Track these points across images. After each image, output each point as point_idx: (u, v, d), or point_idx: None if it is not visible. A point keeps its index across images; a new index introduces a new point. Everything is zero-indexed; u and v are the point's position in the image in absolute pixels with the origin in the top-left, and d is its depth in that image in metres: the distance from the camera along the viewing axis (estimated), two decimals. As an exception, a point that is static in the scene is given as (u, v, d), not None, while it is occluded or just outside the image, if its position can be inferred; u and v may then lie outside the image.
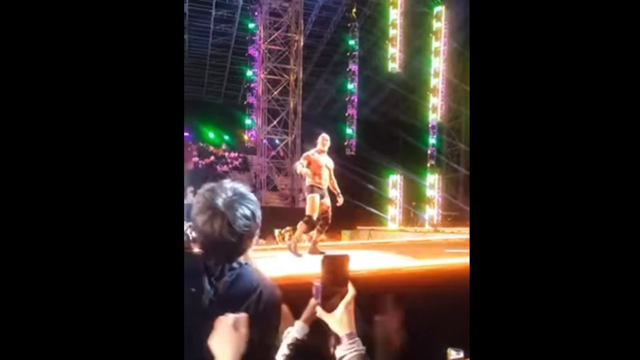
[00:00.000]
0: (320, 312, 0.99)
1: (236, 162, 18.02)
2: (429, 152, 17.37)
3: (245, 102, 15.60)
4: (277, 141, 15.01)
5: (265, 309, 1.06)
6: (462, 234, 8.98)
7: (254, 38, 14.96)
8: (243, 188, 1.13)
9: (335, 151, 4.86)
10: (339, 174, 4.82)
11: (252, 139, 15.59)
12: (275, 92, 14.35)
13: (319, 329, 1.03)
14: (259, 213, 1.12)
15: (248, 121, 15.52)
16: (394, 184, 17.49)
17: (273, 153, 14.95)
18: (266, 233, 8.64)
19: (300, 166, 4.47)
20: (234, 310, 0.99)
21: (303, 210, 4.66)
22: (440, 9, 15.77)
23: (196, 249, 1.12)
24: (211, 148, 18.84)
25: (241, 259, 1.12)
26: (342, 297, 0.98)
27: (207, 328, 0.96)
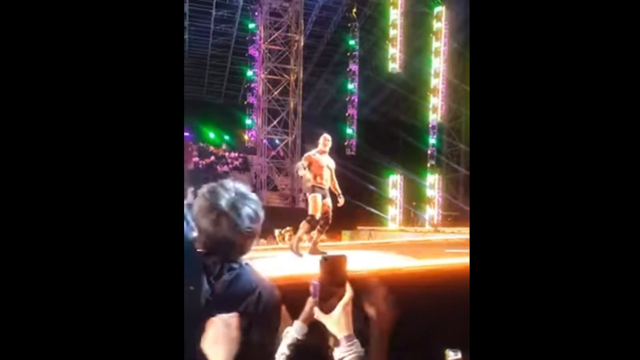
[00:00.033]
0: (318, 314, 0.99)
1: (236, 162, 18.02)
2: (429, 152, 17.37)
3: (245, 102, 15.60)
4: (277, 141, 15.01)
5: (264, 310, 1.06)
6: (462, 234, 8.97)
7: (254, 38, 14.96)
8: (244, 188, 1.13)
9: (336, 151, 4.85)
10: (339, 174, 4.82)
11: (252, 139, 15.59)
12: (276, 92, 14.36)
13: (318, 329, 1.03)
14: (262, 213, 1.13)
15: (248, 121, 15.51)
16: (394, 184, 17.48)
17: (273, 153, 14.96)
18: (266, 233, 8.63)
19: (301, 169, 4.47)
20: (232, 310, 0.99)
21: (303, 210, 4.67)
22: (440, 9, 15.77)
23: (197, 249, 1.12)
24: (211, 148, 18.84)
25: (242, 259, 1.12)
26: (340, 299, 0.98)
27: (202, 328, 0.96)
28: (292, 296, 1.23)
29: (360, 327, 1.01)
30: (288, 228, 8.69)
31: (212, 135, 19.59)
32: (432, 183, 17.20)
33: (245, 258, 1.14)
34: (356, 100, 17.46)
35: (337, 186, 4.72)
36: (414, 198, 17.15)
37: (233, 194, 1.08)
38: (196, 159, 16.82)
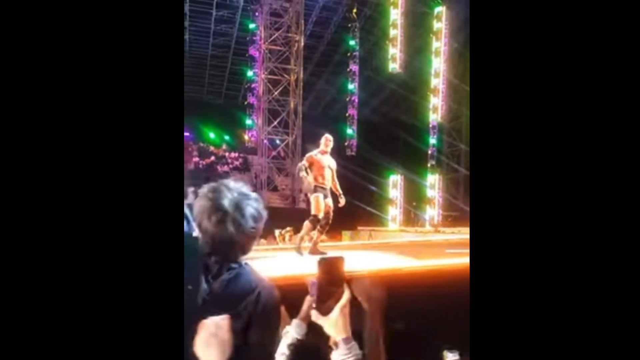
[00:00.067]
0: (316, 316, 0.98)
1: (237, 163, 18.03)
2: (429, 152, 17.37)
3: (245, 102, 15.60)
4: (277, 141, 15.02)
5: (263, 310, 1.06)
6: (463, 234, 8.97)
7: (254, 38, 14.96)
8: (245, 188, 1.13)
9: (336, 151, 4.86)
10: (340, 175, 4.82)
11: (252, 139, 15.59)
12: (276, 93, 14.37)
13: (317, 329, 1.03)
14: (265, 212, 1.13)
15: (248, 121, 15.51)
16: (395, 184, 17.48)
17: (274, 153, 14.97)
18: (267, 233, 8.63)
19: (302, 170, 4.48)
20: (230, 309, 0.99)
21: (304, 210, 4.68)
22: (440, 9, 15.78)
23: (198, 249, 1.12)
24: (212, 148, 18.86)
25: (242, 259, 1.12)
26: (338, 300, 0.98)
27: (195, 330, 0.95)
28: (292, 296, 1.23)
29: (359, 329, 1.00)
30: (288, 228, 8.69)
31: (212, 135, 19.60)
32: (433, 183, 17.20)
33: (245, 258, 1.14)
34: (356, 100, 17.46)
35: (338, 186, 4.72)
36: (414, 198, 17.15)
37: (236, 194, 1.08)
38: (196, 159, 16.83)
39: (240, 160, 18.05)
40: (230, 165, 17.79)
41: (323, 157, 4.60)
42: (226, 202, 1.06)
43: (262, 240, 7.53)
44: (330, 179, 4.60)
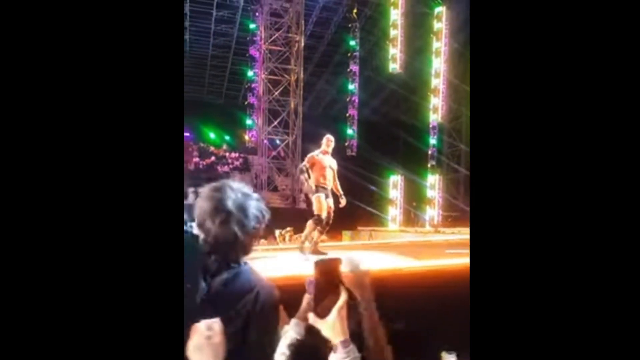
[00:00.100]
0: (314, 319, 0.98)
1: (237, 163, 18.02)
2: (429, 152, 17.38)
3: (246, 103, 15.62)
4: (277, 141, 15.02)
5: (262, 310, 1.06)
6: (463, 234, 8.97)
7: (254, 38, 14.97)
8: (246, 188, 1.13)
9: (336, 152, 4.86)
10: (340, 175, 4.82)
11: (252, 139, 15.60)
12: (276, 93, 14.37)
13: (316, 329, 1.03)
14: (267, 213, 1.13)
15: (249, 121, 15.53)
16: (395, 185, 17.49)
17: (274, 153, 14.97)
18: (267, 233, 8.63)
19: (304, 172, 4.48)
20: (229, 308, 0.99)
21: (304, 210, 4.68)
22: (441, 10, 15.79)
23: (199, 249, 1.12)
24: (212, 148, 18.85)
25: (243, 259, 1.12)
26: (335, 302, 0.97)
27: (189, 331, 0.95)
28: (292, 296, 1.23)
29: (359, 330, 1.00)
30: (289, 228, 8.69)
31: (212, 135, 19.61)
32: (433, 183, 17.20)
33: (245, 258, 1.14)
34: (357, 100, 17.47)
35: (339, 187, 4.72)
36: (415, 198, 17.15)
37: (239, 195, 1.08)
38: (197, 159, 16.85)
39: (241, 160, 18.05)
40: (231, 166, 17.78)
41: (324, 157, 4.60)
42: (230, 203, 1.06)
43: (262, 240, 7.53)
44: (331, 180, 4.60)
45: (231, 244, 1.06)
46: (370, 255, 4.45)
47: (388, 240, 9.26)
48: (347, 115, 17.40)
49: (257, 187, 14.06)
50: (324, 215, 4.40)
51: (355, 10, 16.14)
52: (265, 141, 14.66)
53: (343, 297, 0.98)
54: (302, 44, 14.79)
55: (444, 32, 15.86)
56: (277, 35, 14.38)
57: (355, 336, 0.98)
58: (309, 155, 4.66)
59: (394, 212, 17.30)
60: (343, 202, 4.73)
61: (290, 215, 9.65)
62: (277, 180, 15.20)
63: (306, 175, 4.46)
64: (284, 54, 14.45)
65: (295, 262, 4.04)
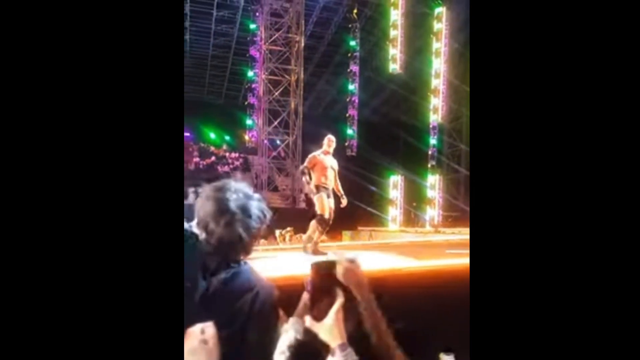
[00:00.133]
0: (311, 323, 0.97)
1: (237, 163, 18.02)
2: (429, 152, 17.38)
3: (246, 103, 15.61)
4: (278, 142, 15.02)
5: (261, 309, 1.06)
6: (463, 234, 8.97)
7: (255, 39, 14.96)
8: (247, 188, 1.13)
9: (337, 152, 4.86)
10: (340, 175, 4.82)
11: (253, 139, 15.59)
12: (276, 93, 14.37)
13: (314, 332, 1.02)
14: (269, 213, 1.13)
15: (249, 121, 15.52)
16: (395, 185, 17.49)
17: (274, 153, 14.96)
18: (267, 233, 8.62)
19: (306, 174, 4.48)
20: (228, 307, 0.99)
21: (304, 210, 4.68)
22: (441, 10, 15.79)
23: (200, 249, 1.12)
24: (212, 148, 18.85)
25: (243, 259, 1.13)
26: (331, 305, 0.97)
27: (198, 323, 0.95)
28: (292, 296, 1.23)
29: (356, 333, 1.00)
30: (289, 228, 8.68)
31: (212, 135, 19.61)
32: (433, 184, 17.20)
33: (245, 258, 1.14)
34: (357, 101, 17.46)
35: (340, 187, 4.72)
36: (415, 199, 17.15)
37: (242, 196, 1.09)
38: (197, 159, 16.85)
39: (241, 160, 18.05)
40: (231, 166, 17.78)
41: (326, 157, 4.60)
42: (233, 204, 1.06)
43: (262, 240, 7.52)
44: (332, 180, 4.60)
45: (234, 245, 1.07)
46: (371, 255, 4.44)
47: (388, 241, 9.24)
48: (347, 115, 17.39)
49: (257, 187, 14.06)
50: (326, 215, 4.40)
51: (355, 11, 16.13)
52: (265, 141, 14.65)
53: (340, 300, 0.98)
54: (302, 44, 14.79)
55: (444, 32, 15.86)
56: (277, 35, 14.38)
57: (354, 339, 0.97)
58: (310, 156, 4.65)
59: (394, 213, 17.30)
60: (344, 202, 4.72)
61: (291, 215, 9.65)
62: (278, 180, 15.19)
63: (307, 177, 4.46)
64: (284, 54, 14.45)
65: (295, 262, 4.03)
